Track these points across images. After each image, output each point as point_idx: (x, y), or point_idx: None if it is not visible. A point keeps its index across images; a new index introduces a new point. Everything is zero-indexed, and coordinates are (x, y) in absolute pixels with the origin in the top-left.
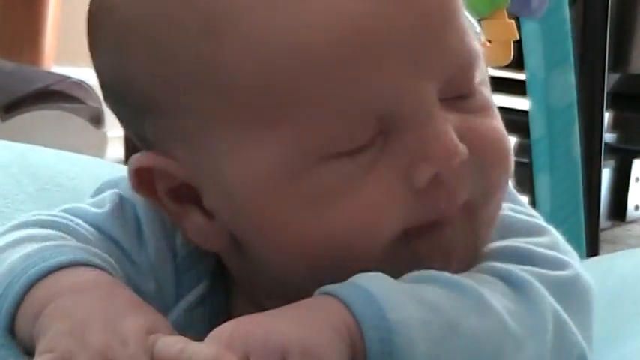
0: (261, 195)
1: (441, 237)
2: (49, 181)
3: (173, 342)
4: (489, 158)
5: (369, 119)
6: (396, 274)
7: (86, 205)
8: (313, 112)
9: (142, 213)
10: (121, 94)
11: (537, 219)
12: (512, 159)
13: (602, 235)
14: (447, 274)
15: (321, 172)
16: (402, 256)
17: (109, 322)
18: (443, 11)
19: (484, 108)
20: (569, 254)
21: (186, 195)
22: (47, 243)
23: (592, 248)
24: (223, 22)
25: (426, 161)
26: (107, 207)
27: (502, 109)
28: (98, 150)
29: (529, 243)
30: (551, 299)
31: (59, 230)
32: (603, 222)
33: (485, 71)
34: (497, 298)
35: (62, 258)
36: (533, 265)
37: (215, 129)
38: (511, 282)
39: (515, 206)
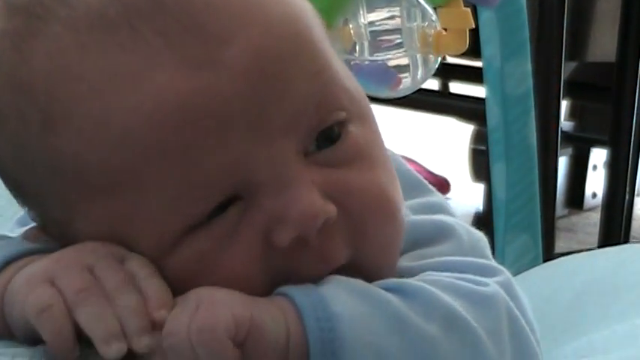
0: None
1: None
2: None
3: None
4: (365, 213)
5: (219, 192)
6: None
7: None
8: (157, 196)
9: None
10: None
11: (439, 207)
12: (396, 208)
13: (560, 223)
14: (395, 281)
15: (182, 248)
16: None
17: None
18: (280, 59)
19: (358, 156)
20: (481, 250)
21: None
22: None
23: (548, 237)
24: (59, 115)
25: (284, 225)
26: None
27: (460, 96)
28: None
29: (446, 264)
30: (505, 296)
31: None
32: (561, 210)
33: (363, 107)
34: (449, 293)
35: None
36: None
37: (77, 209)
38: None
39: (418, 200)
